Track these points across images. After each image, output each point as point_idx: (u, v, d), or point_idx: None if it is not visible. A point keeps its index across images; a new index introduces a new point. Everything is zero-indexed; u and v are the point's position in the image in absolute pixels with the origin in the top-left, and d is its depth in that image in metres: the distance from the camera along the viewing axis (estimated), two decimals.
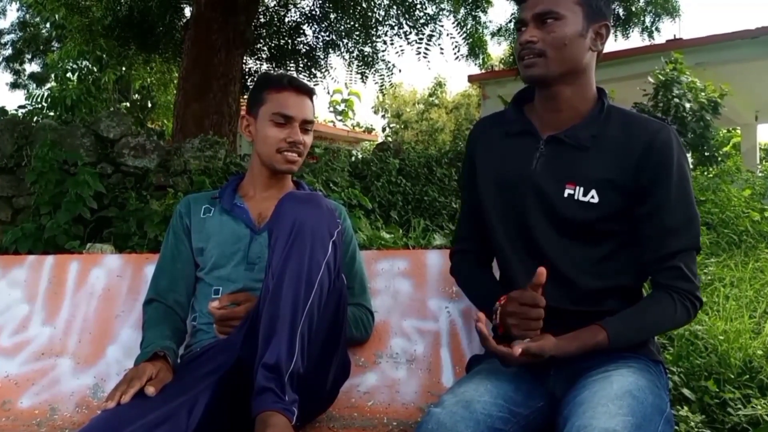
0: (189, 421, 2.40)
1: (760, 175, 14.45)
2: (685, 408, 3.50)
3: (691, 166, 11.97)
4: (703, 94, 11.32)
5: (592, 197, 2.57)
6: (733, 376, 3.82)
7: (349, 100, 14.79)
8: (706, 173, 11.47)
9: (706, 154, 11.53)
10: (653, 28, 15.59)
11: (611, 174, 2.57)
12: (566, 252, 2.63)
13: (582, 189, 2.59)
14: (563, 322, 2.50)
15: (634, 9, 15.42)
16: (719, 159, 11.91)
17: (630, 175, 2.56)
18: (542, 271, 2.44)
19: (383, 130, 43.52)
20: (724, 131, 23.14)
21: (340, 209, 3.27)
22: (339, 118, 19.85)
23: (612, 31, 2.83)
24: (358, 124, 34.73)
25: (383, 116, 46.14)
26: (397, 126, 43.36)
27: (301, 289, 2.47)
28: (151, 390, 2.47)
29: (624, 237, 2.63)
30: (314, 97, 3.34)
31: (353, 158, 11.31)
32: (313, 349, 2.54)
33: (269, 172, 3.27)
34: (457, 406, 2.31)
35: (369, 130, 36.22)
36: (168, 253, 3.24)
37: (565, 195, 2.61)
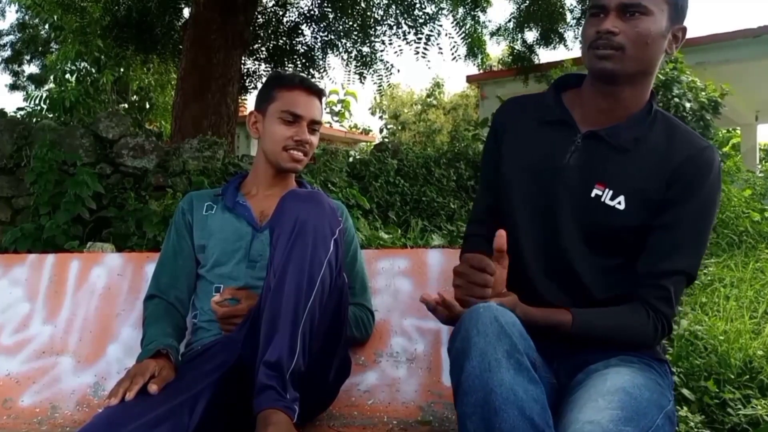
0: (190, 419, 2.41)
1: (760, 175, 14.44)
2: (685, 408, 3.51)
3: None
4: (703, 93, 11.31)
5: (619, 203, 2.51)
6: (733, 377, 3.82)
7: (345, 100, 14.75)
8: None
9: None
10: None
11: (644, 183, 2.51)
12: (582, 252, 2.58)
13: (611, 192, 2.53)
14: None
15: None
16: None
17: (661, 187, 2.50)
18: (502, 233, 2.42)
19: (381, 131, 43.54)
20: (724, 131, 23.13)
21: (341, 208, 3.27)
22: (336, 118, 19.76)
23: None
24: (355, 126, 34.73)
25: (380, 117, 46.12)
26: (395, 127, 43.32)
27: (303, 287, 2.47)
28: (154, 388, 2.47)
29: (636, 251, 2.57)
30: (323, 99, 3.34)
31: (351, 159, 11.32)
32: (315, 348, 2.54)
33: (273, 170, 3.27)
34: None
35: (366, 131, 36.21)
36: (170, 250, 3.25)
37: (592, 195, 2.55)
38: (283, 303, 2.44)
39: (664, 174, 2.50)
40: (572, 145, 2.64)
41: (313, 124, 3.24)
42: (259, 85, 17.55)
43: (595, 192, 2.55)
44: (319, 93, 3.29)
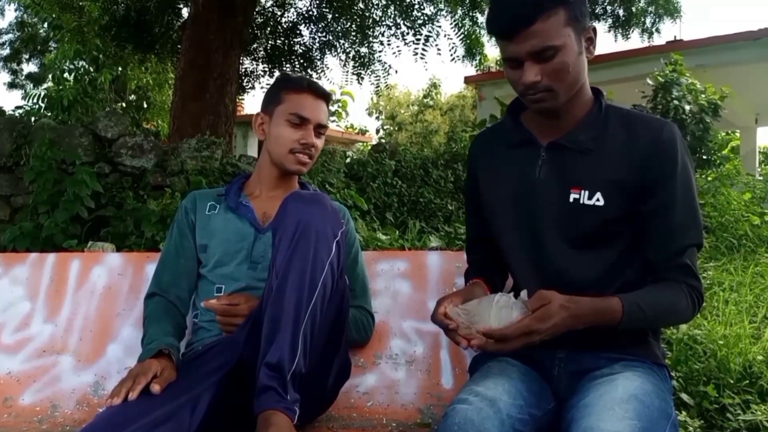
0: (192, 419, 2.40)
1: (759, 178, 14.43)
2: (684, 413, 3.51)
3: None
4: (703, 96, 11.28)
5: (598, 200, 2.54)
6: (732, 382, 3.82)
7: (342, 100, 14.73)
8: (704, 176, 11.43)
9: (704, 157, 11.51)
10: (653, 29, 15.56)
11: (616, 174, 2.54)
12: (576, 259, 2.60)
13: (587, 192, 2.56)
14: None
15: (634, 10, 15.38)
16: (718, 162, 11.88)
17: (635, 174, 2.53)
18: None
19: (377, 131, 43.52)
20: (723, 134, 23.09)
21: (343, 210, 3.28)
22: (332, 118, 19.85)
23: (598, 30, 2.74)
24: (351, 126, 34.71)
25: (377, 118, 46.10)
26: (391, 128, 43.31)
27: (305, 288, 2.48)
28: (156, 388, 2.46)
29: (631, 239, 2.59)
30: (330, 103, 3.34)
31: (349, 159, 11.33)
32: (315, 349, 2.55)
33: (278, 172, 3.27)
34: (483, 403, 2.27)
35: (363, 132, 36.22)
36: (171, 248, 3.24)
37: (571, 200, 2.58)
38: (284, 304, 2.45)
39: (635, 161, 2.54)
40: (539, 159, 2.68)
41: (320, 128, 3.23)
42: (258, 85, 17.66)
43: (572, 196, 2.58)
44: (326, 97, 3.28)
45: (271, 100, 3.27)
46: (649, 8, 15.34)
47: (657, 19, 15.43)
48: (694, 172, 2.64)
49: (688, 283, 2.53)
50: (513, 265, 2.79)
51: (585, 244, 2.60)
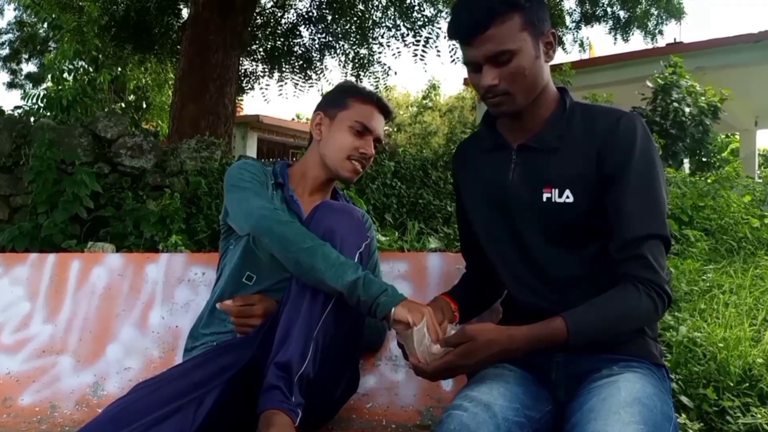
0: (195, 415, 2.42)
1: (759, 181, 14.40)
2: (684, 415, 3.49)
3: (688, 171, 12.01)
4: (702, 98, 11.28)
5: (567, 197, 2.56)
6: (732, 384, 3.80)
7: None
8: (704, 178, 11.40)
9: (704, 159, 11.50)
10: (656, 31, 15.49)
11: (579, 169, 2.56)
12: (558, 257, 2.62)
13: (557, 191, 2.58)
14: None
15: (638, 11, 15.32)
16: (717, 165, 11.86)
17: (595, 167, 2.53)
18: None
19: None
20: (723, 137, 23.08)
21: (369, 222, 3.28)
22: None
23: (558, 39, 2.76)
24: None
25: None
26: (390, 129, 43.26)
27: (321, 296, 2.54)
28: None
29: (604, 232, 2.56)
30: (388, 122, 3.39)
31: None
32: (326, 358, 2.58)
33: (325, 176, 3.28)
34: (478, 408, 2.28)
35: None
36: (255, 185, 3.09)
37: (544, 199, 2.60)
38: (301, 308, 2.52)
39: (593, 154, 2.55)
40: (511, 162, 2.73)
41: (376, 142, 3.27)
42: (257, 86, 17.66)
43: (545, 196, 2.61)
44: (389, 115, 3.33)
45: (334, 103, 3.29)
46: (652, 9, 15.29)
47: (660, 21, 15.38)
48: (659, 163, 2.61)
49: (645, 277, 2.44)
50: (500, 269, 2.81)
51: (567, 241, 2.62)
